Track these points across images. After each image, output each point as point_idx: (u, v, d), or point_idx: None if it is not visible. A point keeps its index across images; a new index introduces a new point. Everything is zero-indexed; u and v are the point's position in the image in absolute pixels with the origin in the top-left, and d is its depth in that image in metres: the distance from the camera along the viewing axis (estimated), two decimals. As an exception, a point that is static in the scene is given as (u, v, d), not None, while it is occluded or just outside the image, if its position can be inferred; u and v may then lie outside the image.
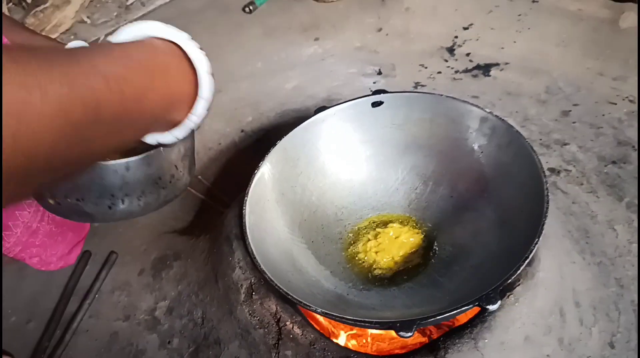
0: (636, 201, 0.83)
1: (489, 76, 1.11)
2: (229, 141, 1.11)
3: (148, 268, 0.86)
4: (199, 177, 1.05)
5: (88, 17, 1.49)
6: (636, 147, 0.91)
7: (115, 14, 1.49)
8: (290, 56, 1.27)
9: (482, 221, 0.72)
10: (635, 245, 0.77)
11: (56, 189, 0.56)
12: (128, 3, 1.52)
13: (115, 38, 0.46)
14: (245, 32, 1.36)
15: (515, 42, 1.17)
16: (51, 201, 0.58)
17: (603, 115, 0.98)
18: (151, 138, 0.50)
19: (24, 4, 1.49)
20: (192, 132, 0.65)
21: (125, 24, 1.26)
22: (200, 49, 0.47)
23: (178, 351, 0.73)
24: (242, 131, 1.11)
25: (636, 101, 0.99)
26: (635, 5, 1.13)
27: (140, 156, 0.55)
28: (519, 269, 0.56)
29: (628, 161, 0.89)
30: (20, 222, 0.72)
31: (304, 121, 0.79)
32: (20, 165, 0.28)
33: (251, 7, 1.43)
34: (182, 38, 0.47)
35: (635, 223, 0.79)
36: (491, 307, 0.54)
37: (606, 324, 0.67)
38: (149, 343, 0.76)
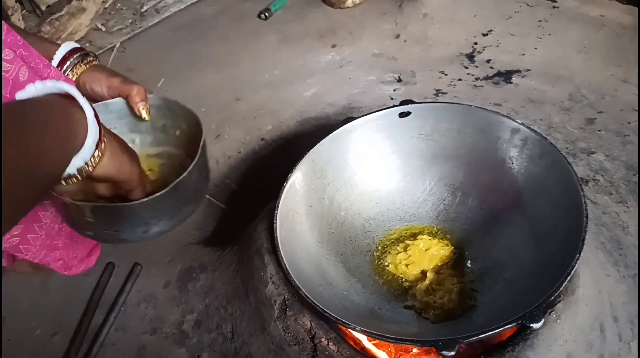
0: (666, 211, 0.82)
1: (511, 83, 1.10)
2: (249, 150, 1.10)
3: (174, 280, 0.85)
4: (227, 181, 1.04)
5: (103, 25, 1.48)
6: (664, 155, 0.90)
7: (130, 21, 1.49)
8: (307, 63, 1.26)
9: (515, 234, 0.71)
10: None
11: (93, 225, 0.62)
12: (142, 10, 1.52)
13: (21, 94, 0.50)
14: (261, 39, 1.36)
15: (536, 48, 1.16)
16: (88, 233, 0.63)
17: (629, 123, 0.97)
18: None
19: (38, 11, 1.49)
20: (204, 146, 0.66)
21: (140, 31, 1.24)
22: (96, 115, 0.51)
23: (208, 366, 0.73)
24: (262, 139, 1.10)
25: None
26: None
27: (167, 189, 0.59)
28: (562, 285, 0.55)
29: (657, 170, 0.88)
30: (44, 223, 0.72)
31: (325, 130, 0.79)
32: None
33: (267, 14, 1.43)
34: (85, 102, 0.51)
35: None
36: (535, 325, 0.53)
37: (644, 340, 0.66)
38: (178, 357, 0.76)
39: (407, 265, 0.75)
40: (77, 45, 0.72)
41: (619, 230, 0.79)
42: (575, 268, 0.56)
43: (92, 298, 0.87)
